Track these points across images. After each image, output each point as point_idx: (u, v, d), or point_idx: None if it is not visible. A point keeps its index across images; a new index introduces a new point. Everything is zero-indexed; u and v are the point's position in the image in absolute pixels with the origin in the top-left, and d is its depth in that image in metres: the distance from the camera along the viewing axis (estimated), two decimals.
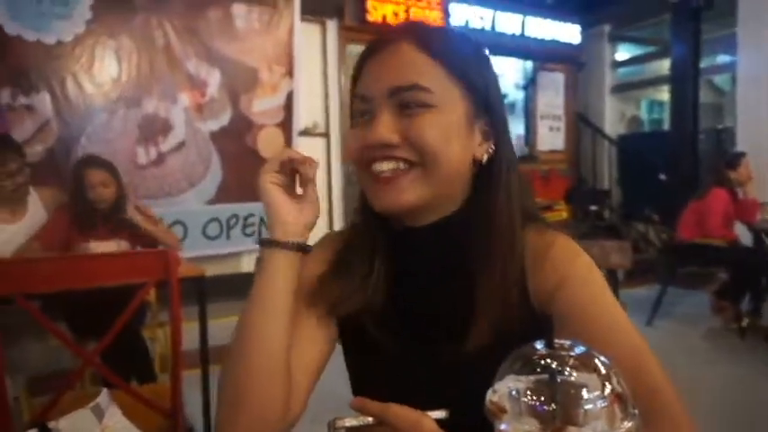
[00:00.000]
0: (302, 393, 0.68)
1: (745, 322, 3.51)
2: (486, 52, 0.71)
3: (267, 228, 0.69)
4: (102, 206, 2.35)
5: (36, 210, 2.47)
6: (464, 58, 0.67)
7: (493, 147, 0.68)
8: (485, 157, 0.67)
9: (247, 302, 0.67)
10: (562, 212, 5.19)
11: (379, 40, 0.68)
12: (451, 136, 0.64)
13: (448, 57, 0.65)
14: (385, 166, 0.64)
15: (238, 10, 3.94)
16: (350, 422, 0.53)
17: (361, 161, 0.67)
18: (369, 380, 0.72)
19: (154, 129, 3.68)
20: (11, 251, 2.24)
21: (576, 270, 0.64)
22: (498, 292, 0.63)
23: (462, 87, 0.65)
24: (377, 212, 0.68)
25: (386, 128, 0.63)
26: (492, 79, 0.69)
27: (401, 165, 0.64)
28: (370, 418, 0.54)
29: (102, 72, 3.50)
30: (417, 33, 0.66)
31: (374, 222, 0.71)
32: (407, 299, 0.69)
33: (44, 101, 3.29)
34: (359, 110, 0.67)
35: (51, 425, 0.59)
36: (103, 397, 0.61)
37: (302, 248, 0.68)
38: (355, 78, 0.69)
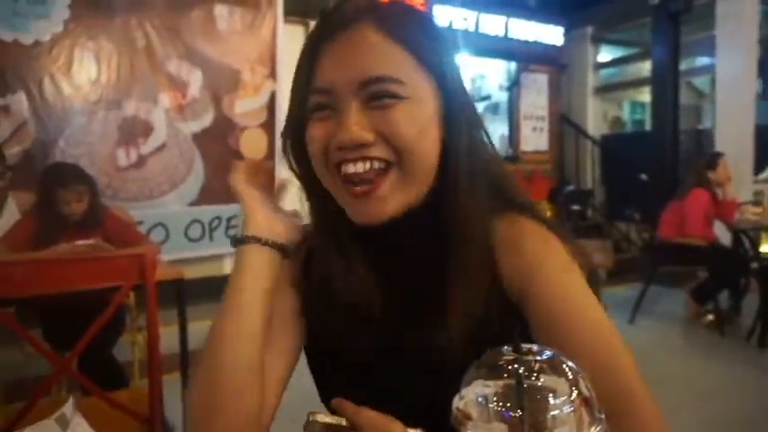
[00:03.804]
0: (270, 407, 0.66)
1: (710, 318, 3.58)
2: (444, 33, 0.65)
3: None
4: (74, 219, 2.28)
5: (11, 213, 2.43)
6: (430, 42, 0.61)
7: (452, 132, 0.62)
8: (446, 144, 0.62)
9: (221, 304, 0.64)
10: (545, 212, 5.23)
11: (335, 22, 0.59)
12: (426, 129, 0.59)
13: (415, 42, 0.59)
14: (360, 167, 0.58)
15: (221, 11, 3.91)
16: (323, 418, 0.53)
17: (327, 162, 0.60)
18: (337, 388, 0.67)
19: (134, 131, 3.64)
20: None
21: (548, 265, 0.60)
22: (471, 281, 0.60)
23: (431, 75, 0.60)
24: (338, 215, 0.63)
25: (358, 125, 0.57)
26: (452, 61, 0.63)
27: (375, 164, 0.58)
28: (344, 420, 0.53)
29: (81, 73, 3.44)
30: (379, 14, 0.59)
31: (335, 222, 0.65)
32: (381, 294, 0.66)
33: (20, 101, 3.23)
34: (317, 103, 0.60)
35: None
36: (69, 407, 0.59)
37: (277, 246, 0.65)
38: (307, 67, 0.61)
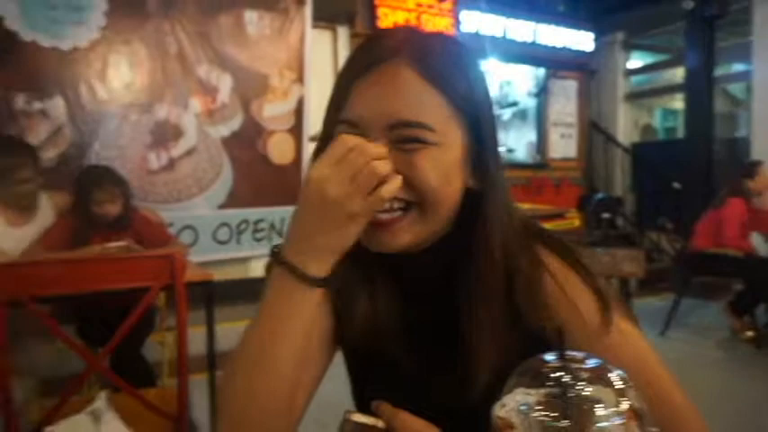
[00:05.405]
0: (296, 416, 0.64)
1: (751, 332, 3.46)
2: (482, 62, 0.64)
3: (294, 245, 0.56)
4: (107, 220, 2.33)
5: (46, 214, 2.49)
6: (466, 83, 0.60)
7: (481, 172, 0.62)
8: (476, 184, 0.62)
9: (258, 327, 0.57)
10: (574, 220, 5.13)
11: (370, 57, 0.59)
12: (450, 174, 0.59)
13: (451, 86, 0.59)
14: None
15: (250, 16, 3.96)
16: (358, 418, 0.53)
17: None
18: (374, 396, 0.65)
19: (165, 134, 3.70)
20: (19, 254, 2.25)
21: (586, 292, 0.61)
22: (499, 317, 0.59)
23: (462, 119, 0.60)
24: None
25: None
26: (487, 99, 0.63)
27: (395, 204, 0.57)
28: (380, 422, 0.53)
29: (116, 78, 3.52)
30: (417, 53, 0.58)
31: (360, 247, 0.61)
32: (410, 322, 0.66)
33: (58, 106, 3.32)
34: (346, 131, 0.58)
35: (48, 429, 0.58)
36: (101, 401, 0.60)
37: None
38: (340, 95, 0.60)
